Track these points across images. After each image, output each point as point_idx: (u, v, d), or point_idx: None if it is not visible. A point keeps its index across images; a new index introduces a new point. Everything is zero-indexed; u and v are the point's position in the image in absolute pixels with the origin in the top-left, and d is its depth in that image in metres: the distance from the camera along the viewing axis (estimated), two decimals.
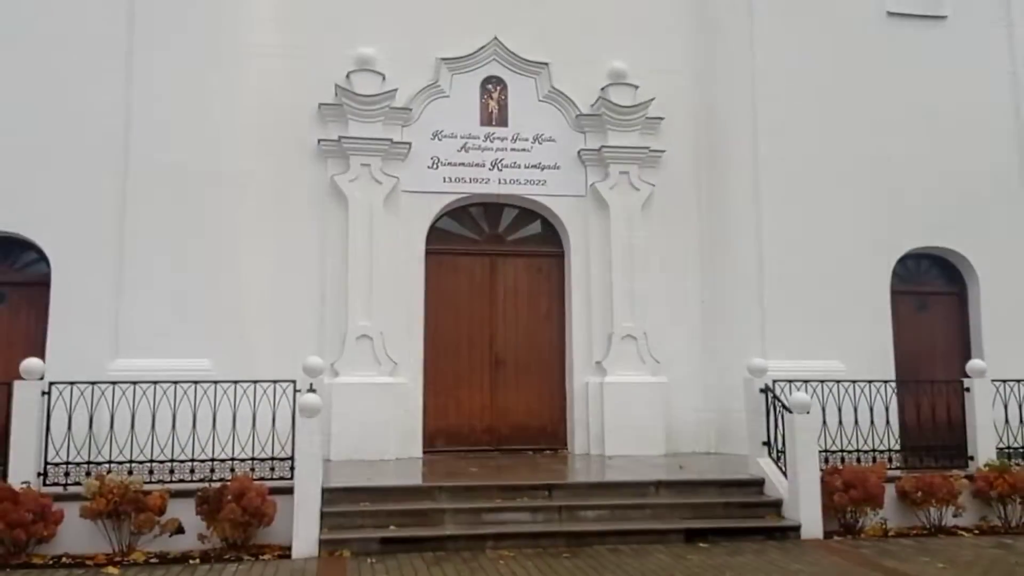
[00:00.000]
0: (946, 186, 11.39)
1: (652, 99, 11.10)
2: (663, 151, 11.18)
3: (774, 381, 8.41)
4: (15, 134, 9.54)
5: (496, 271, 11.16)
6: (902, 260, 11.39)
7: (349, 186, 10.45)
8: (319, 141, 10.52)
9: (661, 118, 11.19)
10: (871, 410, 8.73)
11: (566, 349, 11.09)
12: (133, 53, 9.75)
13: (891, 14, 11.61)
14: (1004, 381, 9.02)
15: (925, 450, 8.91)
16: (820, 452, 8.10)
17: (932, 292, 11.58)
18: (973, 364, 8.93)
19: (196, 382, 7.88)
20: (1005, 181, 11.57)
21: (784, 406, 8.09)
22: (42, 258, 9.66)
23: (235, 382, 7.88)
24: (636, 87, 11.11)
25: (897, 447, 8.95)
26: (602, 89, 11.08)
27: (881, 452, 8.65)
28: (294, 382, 7.77)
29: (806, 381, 8.54)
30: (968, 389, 8.89)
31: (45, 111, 9.62)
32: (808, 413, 7.93)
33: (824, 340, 10.55)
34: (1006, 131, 11.69)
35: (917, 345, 11.24)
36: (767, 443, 8.34)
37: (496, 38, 11.02)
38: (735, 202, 11.05)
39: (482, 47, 11.00)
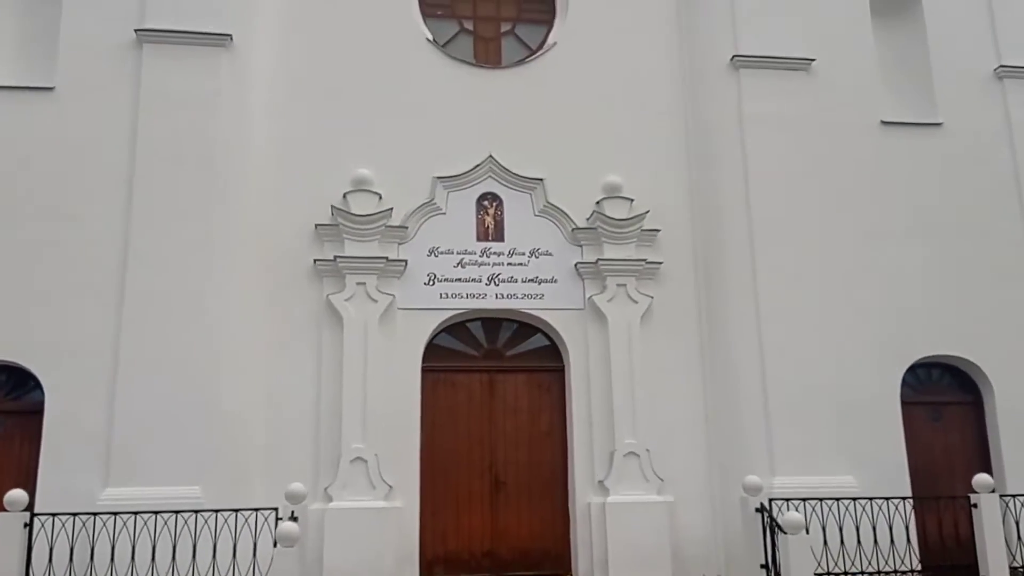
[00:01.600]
0: (953, 293, 11.32)
1: (647, 212, 11.21)
2: (660, 263, 11.21)
3: (779, 499, 8.16)
4: (14, 264, 9.80)
5: (495, 387, 11.07)
6: (912, 369, 11.19)
7: (344, 305, 10.53)
8: (315, 261, 10.67)
9: (657, 230, 11.27)
10: (874, 528, 8.39)
11: (568, 467, 10.85)
12: (133, 188, 10.08)
13: (885, 123, 11.75)
14: (1015, 496, 8.67)
15: (940, 570, 8.54)
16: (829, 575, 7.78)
17: (946, 402, 11.31)
18: (979, 479, 8.62)
19: (176, 512, 7.78)
20: (1014, 287, 11.43)
21: (779, 526, 7.81)
22: (37, 386, 9.75)
23: (216, 511, 7.77)
24: (631, 200, 11.23)
25: (906, 567, 8.58)
26: (597, 203, 11.20)
27: (893, 574, 8.28)
28: (276, 510, 7.66)
29: (809, 499, 8.25)
30: (975, 505, 8.54)
31: (44, 241, 9.90)
32: (806, 533, 7.63)
33: (834, 454, 10.36)
34: (1012, 236, 11.64)
35: (933, 457, 10.95)
36: (765, 566, 8.01)
37: (491, 156, 11.25)
38: (735, 313, 10.96)
39: (477, 165, 11.22)
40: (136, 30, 10.46)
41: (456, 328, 11.20)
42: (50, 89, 10.30)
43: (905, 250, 11.36)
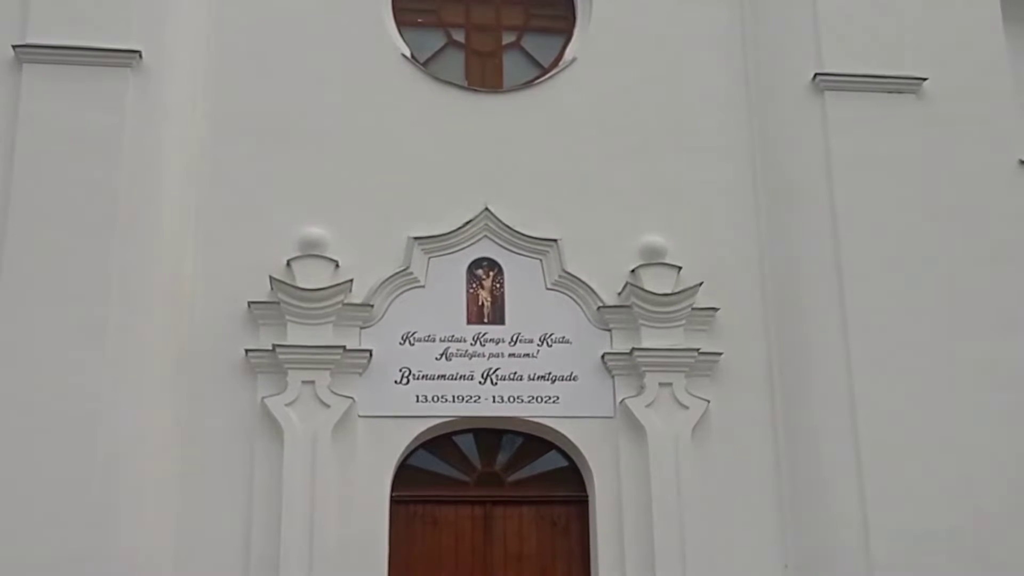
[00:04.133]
0: None
1: (700, 284, 9.43)
2: (720, 354, 9.41)
3: None
4: None
5: (493, 526, 9.33)
6: None
7: (285, 411, 8.80)
8: (247, 352, 8.91)
9: (715, 309, 9.48)
10: None
11: None
12: (3, 247, 8.41)
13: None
14: None
15: None
16: None
17: None
18: None
19: None
20: None
21: None
22: None
23: None
24: (678, 268, 9.49)
25: None
26: (632, 272, 9.51)
27: None
28: None
29: None
30: None
31: None
32: None
33: None
34: None
35: None
36: None
37: (487, 209, 9.57)
38: (824, 425, 9.13)
39: (469, 221, 9.54)
40: (15, 46, 8.83)
41: (439, 443, 9.53)
42: None
43: None
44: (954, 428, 9.10)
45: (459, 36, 10.56)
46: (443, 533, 9.20)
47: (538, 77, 10.36)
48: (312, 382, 8.88)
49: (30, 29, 8.85)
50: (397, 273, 9.32)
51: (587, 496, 9.34)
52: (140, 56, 8.84)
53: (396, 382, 9.16)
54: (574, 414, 9.36)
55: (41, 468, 7.96)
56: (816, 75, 9.75)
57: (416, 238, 9.41)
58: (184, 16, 9.53)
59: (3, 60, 8.80)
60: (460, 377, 9.30)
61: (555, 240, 9.58)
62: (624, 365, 9.37)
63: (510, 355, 9.43)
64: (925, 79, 9.87)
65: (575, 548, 9.31)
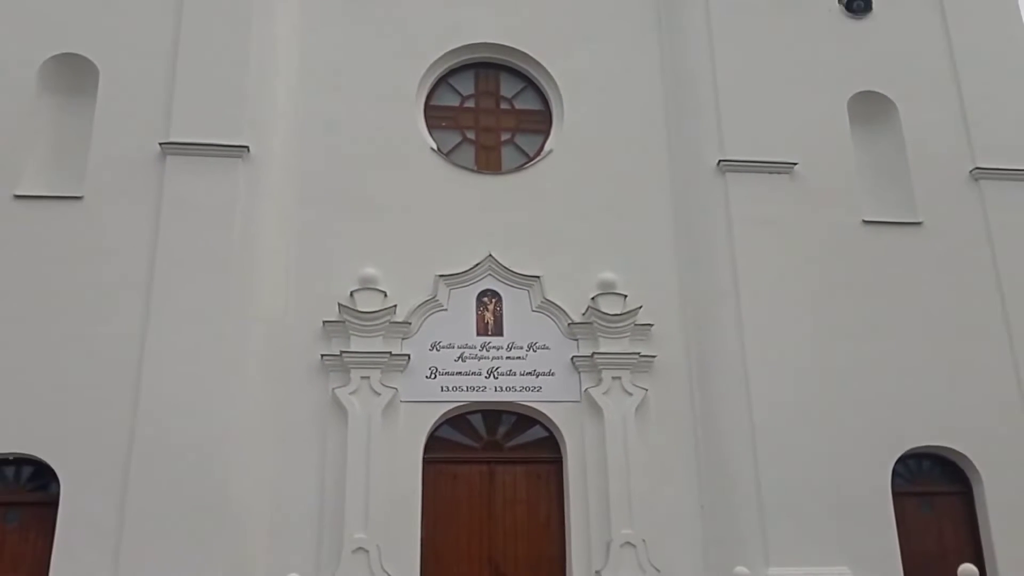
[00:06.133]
0: (941, 386, 11.37)
1: (640, 307, 11.41)
2: (654, 356, 11.34)
3: None
4: (37, 359, 10.07)
5: (495, 479, 11.07)
6: (903, 460, 11.17)
7: (349, 399, 10.66)
8: (322, 356, 10.87)
9: (650, 325, 11.44)
10: None
11: (566, 558, 10.75)
12: (151, 289, 10.40)
13: (867, 222, 11.98)
14: None
15: None
16: None
17: (936, 492, 11.22)
18: (964, 569, 8.30)
19: None
20: (997, 381, 11.47)
21: None
22: (54, 479, 9.86)
23: None
24: (624, 296, 11.45)
25: None
26: (592, 299, 11.41)
27: None
28: None
29: None
30: None
31: (66, 337, 10.20)
32: None
33: (829, 545, 10.33)
34: (994, 332, 11.70)
35: (925, 547, 10.87)
36: None
37: (491, 255, 11.53)
38: (727, 405, 11.02)
39: (478, 263, 11.49)
40: (161, 143, 10.95)
41: (457, 420, 11.27)
42: (79, 198, 10.76)
43: (892, 344, 11.46)
44: (820, 405, 10.79)
45: (471, 135, 12.43)
46: (460, 485, 10.87)
47: (526, 163, 12.17)
48: (368, 377, 10.65)
49: (172, 130, 10.90)
50: (427, 300, 11.18)
51: (561, 458, 10.99)
52: (248, 150, 10.91)
53: (427, 377, 10.92)
54: (552, 399, 11.04)
55: (179, 437, 9.80)
56: (720, 161, 11.67)
57: (441, 275, 11.27)
58: (280, 120, 11.50)
59: (153, 153, 10.83)
60: (472, 373, 11.03)
61: (538, 276, 11.40)
62: (587, 364, 11.13)
63: (507, 358, 11.15)
64: (796, 163, 11.80)
65: (554, 495, 10.93)
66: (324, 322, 10.96)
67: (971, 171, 12.32)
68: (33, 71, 11.14)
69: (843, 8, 12.94)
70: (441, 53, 12.40)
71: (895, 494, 10.87)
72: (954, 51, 12.88)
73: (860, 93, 12.57)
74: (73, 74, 11.29)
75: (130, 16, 11.48)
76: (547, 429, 11.29)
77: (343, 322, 10.91)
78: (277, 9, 11.92)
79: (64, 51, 11.27)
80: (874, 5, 12.93)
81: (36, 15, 11.38)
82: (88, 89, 11.22)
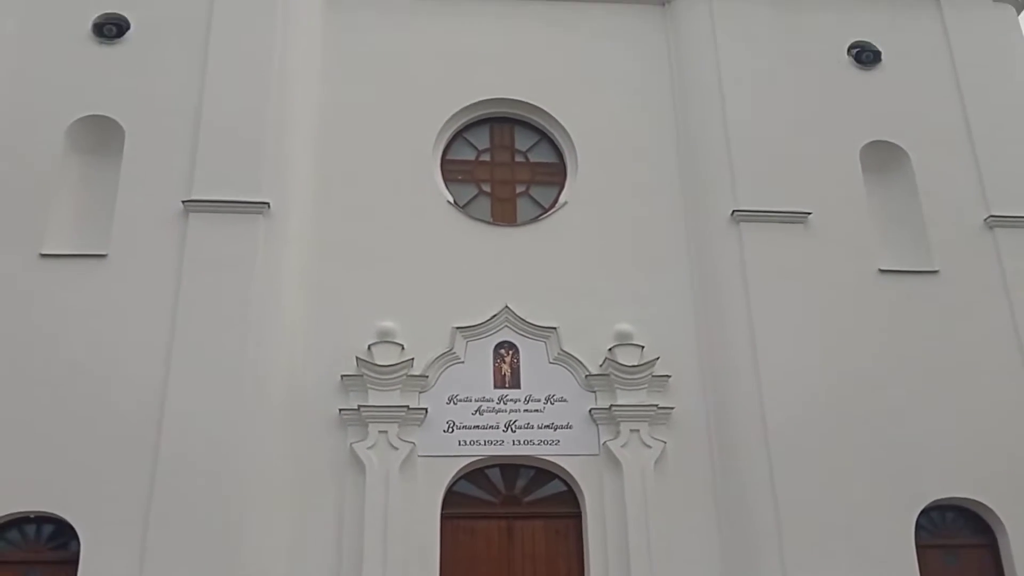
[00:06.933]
0: (961, 437, 11.16)
1: (657, 358, 11.31)
2: (672, 408, 11.20)
3: None
4: (58, 419, 10.09)
5: (513, 534, 10.88)
6: (926, 512, 10.94)
7: (367, 453, 10.60)
8: (340, 411, 10.84)
9: (668, 376, 11.34)
10: None
11: None
12: (172, 345, 10.44)
13: (883, 271, 11.90)
14: None
15: None
16: None
17: (961, 545, 10.96)
18: None
19: None
20: (1018, 430, 11.24)
21: None
22: (75, 537, 9.81)
23: None
24: (642, 347, 11.36)
25: None
26: (609, 350, 11.33)
27: None
28: None
29: None
30: None
31: (87, 396, 10.22)
32: None
33: None
34: (1013, 381, 11.51)
35: None
36: None
37: (507, 307, 11.51)
38: (746, 456, 10.88)
39: (494, 315, 11.47)
40: (183, 201, 11.08)
41: (475, 475, 11.14)
42: (103, 256, 10.87)
43: (912, 394, 11.29)
44: (840, 456, 10.67)
45: (487, 188, 12.50)
46: (478, 539, 10.68)
47: (541, 215, 12.20)
48: (385, 432, 10.57)
49: (195, 188, 11.06)
50: (445, 353, 11.14)
51: (580, 512, 10.84)
52: (268, 206, 11.02)
53: (444, 431, 10.84)
54: (570, 453, 10.90)
55: (198, 494, 9.78)
56: (734, 211, 11.68)
57: (458, 328, 11.24)
58: (299, 175, 11.62)
59: (175, 211, 10.96)
60: (489, 427, 10.93)
61: (555, 328, 11.34)
62: (605, 417, 11.00)
63: (524, 411, 11.04)
64: (810, 213, 11.79)
65: (573, 550, 10.71)
66: (342, 376, 10.95)
67: (985, 219, 12.23)
68: (61, 132, 11.36)
69: (852, 59, 13.00)
70: (456, 109, 12.53)
71: (918, 547, 10.62)
72: (964, 100, 12.88)
73: (872, 142, 12.57)
74: (99, 134, 11.50)
75: (156, 78, 11.73)
76: (566, 483, 11.12)
77: (361, 376, 10.89)
78: (298, 68, 12.13)
79: (92, 113, 11.49)
80: (883, 56, 12.99)
81: (65, 77, 11.64)
82: (114, 148, 11.41)
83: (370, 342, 11.05)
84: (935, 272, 11.95)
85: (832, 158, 12.38)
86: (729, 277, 11.64)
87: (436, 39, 12.78)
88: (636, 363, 11.25)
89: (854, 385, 11.16)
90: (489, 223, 12.14)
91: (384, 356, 10.98)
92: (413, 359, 11.00)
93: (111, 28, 11.86)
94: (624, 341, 11.36)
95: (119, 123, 11.47)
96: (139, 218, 11.00)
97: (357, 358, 10.94)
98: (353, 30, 12.70)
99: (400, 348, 11.06)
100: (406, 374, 10.92)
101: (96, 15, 11.93)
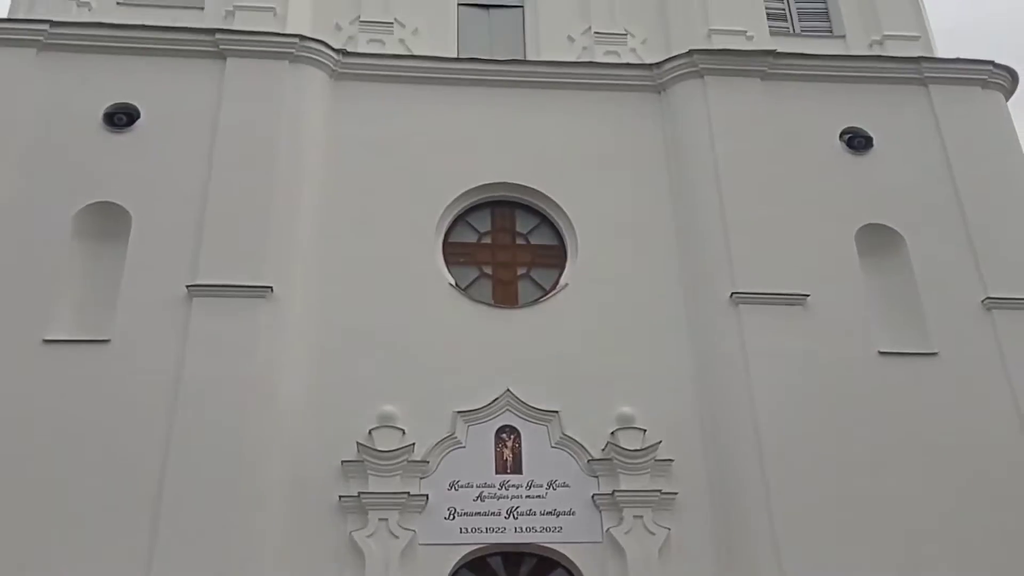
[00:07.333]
0: (963, 519, 10.94)
1: (659, 442, 11.20)
2: (675, 493, 11.05)
3: None
4: (55, 501, 9.97)
5: None
6: None
7: (366, 541, 10.42)
8: (340, 498, 10.67)
9: (671, 460, 11.21)
10: None
11: None
12: (172, 430, 10.41)
13: (883, 353, 11.86)
14: None
15: None
16: None
17: None
18: None
19: None
20: (1019, 510, 11.05)
21: None
22: None
23: None
24: (644, 431, 11.25)
25: None
26: (611, 434, 11.23)
27: None
28: None
29: None
30: None
31: (83, 489, 10.10)
32: None
33: None
34: (1014, 459, 11.34)
35: None
36: None
37: (509, 390, 11.45)
38: (753, 542, 10.68)
39: (496, 399, 11.40)
40: (187, 285, 11.14)
41: (477, 564, 10.92)
42: (106, 342, 10.87)
43: (914, 475, 11.13)
44: (847, 540, 10.48)
45: (488, 270, 12.57)
46: None
47: (542, 297, 12.24)
48: (386, 519, 10.42)
49: (199, 272, 11.15)
50: (446, 438, 11.04)
51: None
52: (271, 290, 11.11)
53: (445, 518, 10.67)
54: (573, 540, 10.73)
55: (194, 569, 9.63)
56: (733, 293, 11.77)
57: (459, 412, 11.17)
58: (303, 258, 11.69)
59: (179, 296, 11.04)
60: (491, 514, 10.75)
61: (556, 411, 11.27)
62: (608, 503, 10.84)
63: (527, 496, 10.88)
64: (808, 295, 11.83)
65: None
66: (342, 461, 10.82)
67: (983, 300, 12.25)
68: (69, 218, 11.50)
69: (844, 144, 13.22)
70: (458, 192, 12.70)
71: None
72: (957, 183, 13.01)
73: (867, 225, 12.70)
74: (106, 220, 11.63)
75: (164, 164, 11.92)
76: (570, 572, 10.85)
77: (362, 461, 10.78)
78: (302, 154, 12.35)
79: (100, 199, 11.66)
80: (875, 142, 13.21)
81: (75, 164, 11.84)
82: (120, 234, 11.53)
83: (371, 427, 10.94)
84: (934, 354, 11.92)
85: (828, 241, 12.49)
86: (729, 359, 11.63)
87: (438, 124, 13.02)
88: (638, 447, 11.13)
89: (857, 467, 11.01)
90: (490, 305, 12.19)
91: (385, 441, 10.87)
92: (414, 444, 10.88)
93: (121, 117, 12.13)
94: (626, 424, 11.28)
95: (126, 209, 11.63)
96: (143, 303, 11.06)
97: (358, 443, 10.84)
98: (357, 115, 12.96)
99: (401, 433, 10.94)
100: (407, 459, 10.81)
101: (109, 104, 12.20)
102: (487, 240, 12.87)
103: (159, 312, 11.00)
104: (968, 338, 12.04)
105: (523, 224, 13.01)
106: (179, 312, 11.00)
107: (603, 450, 11.17)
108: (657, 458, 11.12)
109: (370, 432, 10.91)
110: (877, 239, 12.68)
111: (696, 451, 11.37)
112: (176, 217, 11.55)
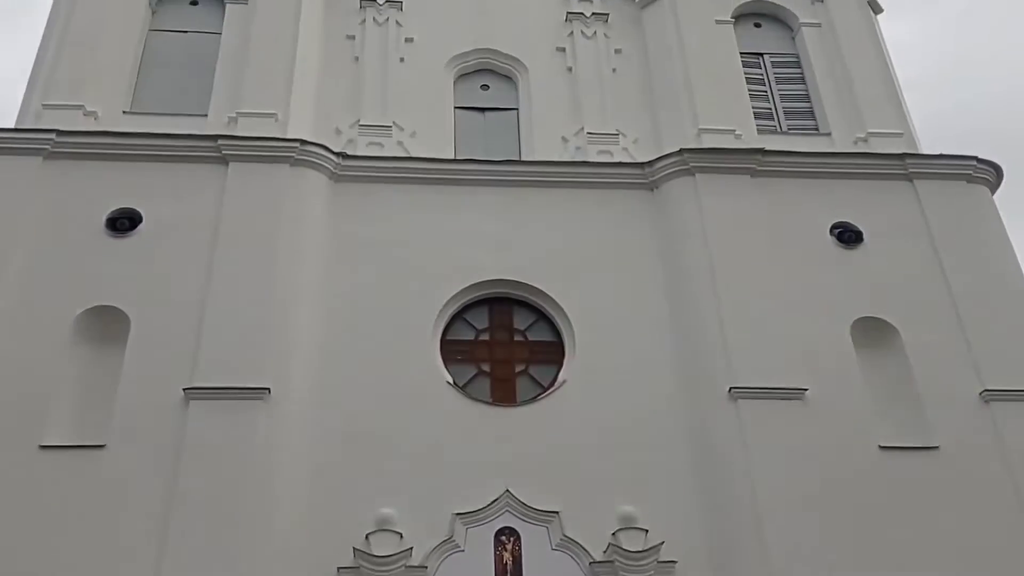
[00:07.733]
0: None
1: (662, 542, 10.99)
2: None
3: None
4: None
5: None
6: None
7: None
8: None
9: (674, 562, 10.97)
10: None
11: None
12: (168, 534, 10.21)
13: (884, 448, 11.76)
14: None
15: None
16: None
17: None
18: None
19: None
20: None
21: None
22: None
23: None
24: (646, 531, 11.04)
25: None
26: (613, 535, 11.01)
27: None
28: None
29: None
30: None
31: None
32: None
33: None
34: (1019, 554, 11.13)
35: None
36: None
37: (508, 490, 11.27)
38: None
39: (495, 500, 11.22)
40: (184, 388, 11.09)
41: None
42: (101, 447, 10.75)
43: (919, 570, 10.83)
44: None
45: (486, 368, 12.55)
46: None
47: (540, 394, 12.22)
48: None
49: (196, 375, 11.12)
50: (444, 541, 10.83)
51: None
52: (269, 391, 11.06)
53: None
54: None
55: None
56: (731, 388, 11.73)
57: (457, 514, 10.97)
58: (300, 359, 11.70)
59: (176, 399, 10.99)
60: None
61: (557, 512, 11.07)
62: None
63: None
64: (806, 389, 11.83)
65: None
66: (338, 568, 10.57)
67: (980, 393, 12.20)
68: (68, 322, 11.53)
69: (835, 239, 13.39)
70: (456, 290, 12.78)
71: None
72: (947, 276, 13.11)
73: (862, 319, 12.74)
74: (105, 324, 11.66)
75: (164, 268, 12.03)
76: None
77: (358, 567, 10.53)
78: (301, 255, 12.46)
79: (100, 303, 11.70)
80: (865, 236, 13.38)
81: (76, 268, 11.93)
82: (118, 338, 11.55)
83: (368, 531, 10.72)
84: (935, 448, 11.80)
85: (824, 335, 12.52)
86: (730, 455, 11.53)
87: (436, 223, 13.21)
88: (641, 548, 10.89)
89: (863, 564, 10.80)
90: (489, 403, 12.14)
91: (382, 546, 10.65)
92: (412, 548, 10.65)
93: (124, 222, 12.29)
94: (628, 524, 11.09)
95: (125, 313, 11.66)
96: (139, 407, 11.00)
97: (354, 549, 10.60)
98: (356, 216, 13.15)
99: (399, 537, 10.72)
100: (404, 565, 10.57)
101: (112, 209, 12.37)
102: (485, 337, 12.88)
103: (155, 416, 10.93)
104: (968, 431, 11.94)
105: (521, 321, 13.05)
106: (176, 416, 10.92)
107: (605, 552, 10.91)
108: (660, 559, 10.87)
109: (367, 536, 10.68)
110: (872, 332, 12.71)
111: (699, 551, 11.14)
112: (175, 320, 11.59)
